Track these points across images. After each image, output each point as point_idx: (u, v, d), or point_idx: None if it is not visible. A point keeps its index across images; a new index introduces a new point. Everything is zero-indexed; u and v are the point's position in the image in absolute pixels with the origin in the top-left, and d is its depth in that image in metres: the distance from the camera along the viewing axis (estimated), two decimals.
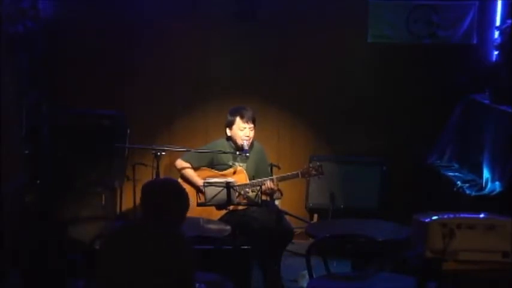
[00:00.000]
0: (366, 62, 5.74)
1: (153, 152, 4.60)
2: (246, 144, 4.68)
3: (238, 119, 4.71)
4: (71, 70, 5.67)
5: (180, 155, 4.87)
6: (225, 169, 4.75)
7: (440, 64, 5.71)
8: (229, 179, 4.37)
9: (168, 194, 2.95)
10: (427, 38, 5.71)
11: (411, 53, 5.74)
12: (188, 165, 4.73)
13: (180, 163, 4.77)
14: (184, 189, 3.03)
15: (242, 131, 4.70)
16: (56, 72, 5.61)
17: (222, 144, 4.80)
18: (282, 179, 4.64)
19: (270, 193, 4.64)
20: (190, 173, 4.72)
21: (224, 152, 4.71)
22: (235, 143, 4.73)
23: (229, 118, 4.75)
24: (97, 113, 5.33)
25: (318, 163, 4.69)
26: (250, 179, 4.68)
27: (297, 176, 4.63)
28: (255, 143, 4.86)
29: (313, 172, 4.63)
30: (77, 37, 5.64)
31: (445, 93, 5.63)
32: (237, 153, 4.67)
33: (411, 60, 5.75)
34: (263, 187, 4.49)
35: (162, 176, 4.68)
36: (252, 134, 4.73)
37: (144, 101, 5.74)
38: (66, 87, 5.66)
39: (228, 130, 4.76)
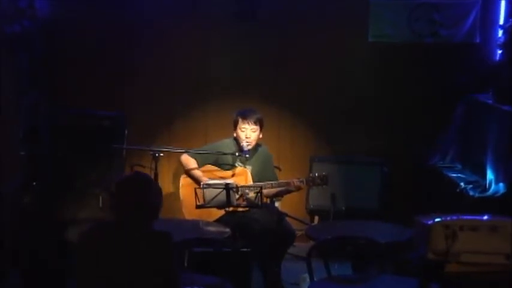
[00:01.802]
0: (367, 61, 5.73)
1: (151, 153, 4.59)
2: (245, 145, 4.66)
3: (239, 119, 4.72)
4: (70, 70, 5.66)
5: (178, 155, 4.84)
6: (229, 169, 4.75)
7: (442, 63, 5.70)
8: (228, 181, 4.35)
9: (142, 189, 2.88)
10: (429, 37, 5.69)
11: (412, 53, 5.73)
12: (194, 160, 4.73)
13: (186, 158, 4.76)
14: (157, 183, 2.98)
15: (243, 132, 4.70)
16: (55, 72, 5.61)
17: (227, 144, 4.81)
18: (287, 192, 4.66)
19: (296, 190, 4.65)
20: (196, 170, 4.72)
21: (224, 153, 4.69)
22: (238, 143, 4.72)
23: (234, 118, 4.78)
24: (97, 113, 5.34)
25: (323, 173, 4.67)
26: (254, 181, 4.67)
27: (301, 182, 4.62)
28: (262, 148, 4.87)
29: (318, 181, 4.64)
30: (76, 37, 5.63)
31: (447, 93, 5.63)
32: (236, 154, 4.65)
33: (412, 60, 5.74)
34: (290, 188, 4.55)
35: (160, 177, 4.67)
36: (253, 135, 4.72)
37: (143, 101, 5.74)
38: (66, 87, 5.65)
39: (234, 131, 4.77)
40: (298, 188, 4.67)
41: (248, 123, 4.70)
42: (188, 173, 4.73)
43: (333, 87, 5.79)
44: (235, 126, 4.76)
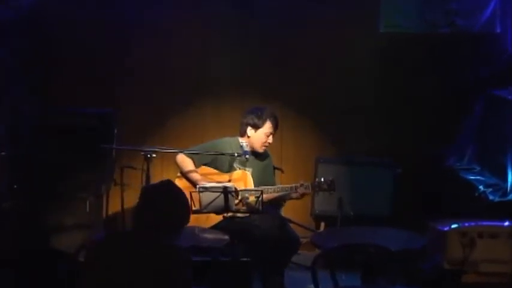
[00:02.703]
0: (377, 54, 5.75)
1: (143, 153, 4.58)
2: (244, 144, 4.67)
3: (269, 125, 4.74)
4: (56, 66, 5.68)
5: (173, 156, 4.86)
6: (226, 171, 4.76)
7: (459, 56, 5.71)
8: (227, 184, 4.35)
9: (173, 201, 2.90)
10: (445, 27, 5.71)
11: (426, 44, 5.75)
12: (190, 161, 4.74)
13: (181, 158, 4.76)
14: (186, 197, 2.99)
15: (268, 137, 4.74)
16: (40, 68, 5.61)
17: (229, 143, 4.80)
18: (289, 198, 4.69)
19: (301, 197, 4.67)
20: (191, 170, 4.72)
21: (222, 154, 4.70)
22: (252, 145, 4.73)
23: (257, 120, 4.74)
24: (83, 111, 5.34)
25: (330, 178, 4.69)
26: (255, 185, 4.67)
27: (301, 195, 4.64)
28: (267, 151, 4.90)
29: (324, 187, 4.65)
30: (66, 31, 5.65)
31: (463, 88, 5.64)
32: (235, 154, 4.65)
33: (426, 52, 5.76)
34: (294, 195, 4.56)
35: (152, 180, 4.66)
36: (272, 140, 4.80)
37: (135, 99, 5.77)
38: (51, 84, 5.67)
39: (250, 130, 4.76)
40: (303, 195, 4.68)
41: (276, 129, 4.77)
42: (184, 175, 4.74)
43: (339, 84, 5.81)
44: (256, 127, 4.75)
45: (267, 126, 4.73)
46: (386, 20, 5.70)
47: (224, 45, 5.76)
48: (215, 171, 4.75)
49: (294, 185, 4.65)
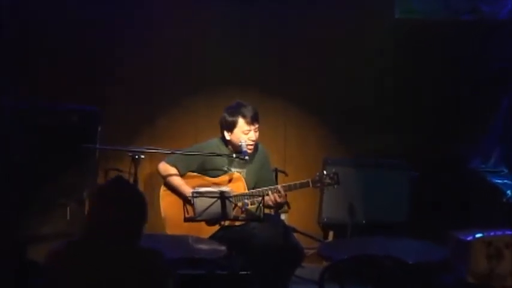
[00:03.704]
0: (392, 42, 5.76)
1: (130, 154, 4.58)
2: (243, 144, 4.66)
3: (241, 121, 4.67)
4: (36, 57, 5.68)
5: (163, 158, 4.85)
6: (219, 175, 4.74)
7: (483, 45, 5.72)
8: (224, 188, 4.34)
9: (128, 201, 2.88)
10: (467, 14, 5.70)
11: (447, 32, 5.76)
12: (174, 169, 4.72)
13: (164, 167, 4.75)
14: (142, 193, 2.97)
15: (247, 134, 4.68)
16: (19, 60, 5.61)
17: (216, 144, 4.79)
18: (289, 189, 4.62)
19: (275, 206, 4.62)
20: (177, 179, 4.71)
21: (218, 155, 4.69)
22: (235, 147, 4.71)
23: (229, 119, 4.70)
24: (63, 107, 5.32)
25: (333, 170, 4.67)
26: (250, 189, 4.67)
27: (307, 185, 4.61)
28: (258, 146, 4.86)
29: (327, 181, 4.61)
30: (49, 22, 5.66)
31: (488, 81, 5.65)
32: (234, 156, 4.64)
33: (447, 41, 5.77)
34: (266, 198, 4.46)
35: (140, 183, 4.66)
36: (257, 135, 4.72)
37: (121, 95, 5.78)
38: (29, 78, 5.67)
39: (226, 133, 4.73)
40: (276, 204, 4.57)
41: (252, 123, 4.67)
42: (170, 186, 4.72)
43: (349, 77, 5.81)
44: (230, 128, 4.71)
45: (241, 124, 4.67)
46: (402, 5, 5.71)
47: (220, 38, 5.78)
48: (204, 177, 4.73)
49: (295, 183, 4.61)
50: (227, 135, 4.72)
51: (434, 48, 5.77)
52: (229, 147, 4.74)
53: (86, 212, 5.12)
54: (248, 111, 4.66)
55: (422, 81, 5.80)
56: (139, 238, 2.89)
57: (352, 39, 5.78)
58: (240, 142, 4.65)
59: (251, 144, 4.68)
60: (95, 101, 5.50)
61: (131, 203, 2.89)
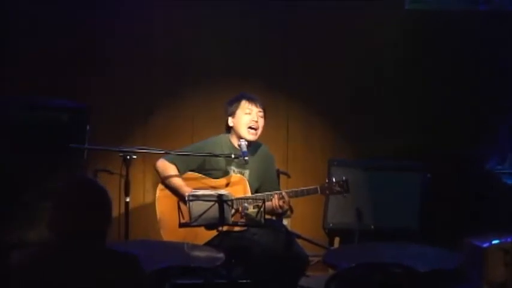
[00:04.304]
0: (403, 34, 5.77)
1: (121, 154, 4.57)
2: (243, 143, 4.66)
3: (244, 103, 4.79)
4: (16, 48, 5.67)
5: (156, 159, 4.84)
6: (220, 176, 4.75)
7: (500, 37, 5.72)
8: (223, 191, 4.33)
9: (92, 199, 2.89)
10: (483, 4, 5.70)
11: (462, 23, 5.77)
12: (173, 167, 4.73)
13: (162, 164, 4.76)
14: (107, 192, 2.98)
15: (248, 114, 4.75)
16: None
17: (218, 142, 4.81)
18: (295, 195, 4.64)
19: (277, 213, 4.63)
20: (176, 179, 4.71)
21: (216, 155, 4.69)
22: (238, 134, 4.74)
23: (231, 106, 4.81)
24: (48, 103, 5.30)
25: (343, 177, 4.68)
26: (253, 192, 4.68)
27: (315, 191, 4.64)
28: (262, 147, 4.89)
29: (337, 188, 4.64)
30: (30, 8, 5.66)
31: (505, 75, 5.64)
32: (232, 156, 4.64)
33: (461, 33, 5.79)
34: (269, 204, 4.48)
35: (132, 186, 4.66)
36: (261, 122, 4.78)
37: (111, 90, 5.78)
38: (11, 71, 5.66)
39: (230, 119, 4.81)
40: (282, 209, 4.60)
41: (255, 104, 4.77)
42: (168, 185, 4.71)
43: (358, 71, 5.83)
44: (233, 110, 4.79)
45: (242, 105, 4.77)
46: None
47: (218, 26, 5.78)
48: (204, 177, 4.74)
49: (302, 189, 4.63)
50: (230, 122, 4.80)
51: (447, 40, 5.78)
52: (232, 139, 4.75)
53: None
54: (250, 95, 4.81)
55: (434, 75, 5.82)
56: (104, 239, 2.90)
57: (358, 30, 5.80)
58: (246, 125, 4.69)
59: (253, 127, 4.72)
60: (83, 98, 5.49)
61: (94, 203, 2.89)
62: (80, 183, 2.97)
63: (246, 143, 4.70)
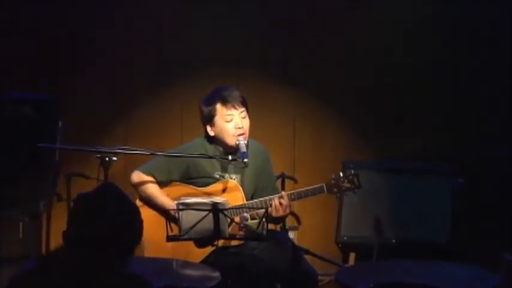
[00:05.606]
0: (422, 22, 5.79)
1: (99, 156, 4.54)
2: (242, 142, 4.62)
3: (219, 106, 4.67)
4: None
5: (139, 161, 4.84)
6: (209, 184, 4.71)
7: None
8: (218, 199, 4.29)
9: (119, 213, 2.90)
10: None
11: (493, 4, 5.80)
12: (151, 179, 4.69)
13: (138, 177, 4.71)
14: (138, 207, 3.00)
15: (230, 122, 4.66)
16: None
17: (201, 145, 4.76)
18: (298, 197, 4.60)
19: (279, 217, 4.57)
20: (154, 190, 4.67)
21: (210, 157, 4.66)
22: (224, 144, 4.69)
23: (205, 109, 4.70)
24: (14, 95, 5.33)
25: (352, 171, 4.64)
26: (248, 199, 4.64)
27: (321, 190, 4.59)
28: (253, 143, 4.83)
29: (346, 184, 4.59)
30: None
31: None
32: (230, 158, 4.60)
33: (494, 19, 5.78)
34: (270, 209, 4.45)
35: None
36: (246, 123, 4.69)
37: (87, 82, 5.82)
38: None
39: (209, 128, 4.72)
40: (285, 211, 4.55)
41: (234, 106, 4.65)
42: (146, 199, 4.67)
43: (373, 61, 5.85)
44: (209, 120, 4.69)
45: (219, 109, 4.66)
46: None
47: (209, 12, 5.82)
48: (189, 186, 4.70)
49: (306, 188, 4.59)
50: (210, 131, 4.71)
51: (474, 28, 5.84)
52: (218, 147, 4.71)
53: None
54: (227, 92, 4.67)
55: (463, 66, 5.86)
56: (128, 261, 2.94)
57: (372, 13, 5.83)
58: (232, 135, 4.62)
59: (240, 134, 4.64)
60: (55, 91, 5.52)
61: (120, 216, 2.91)
62: (108, 194, 2.99)
63: (245, 141, 4.65)
